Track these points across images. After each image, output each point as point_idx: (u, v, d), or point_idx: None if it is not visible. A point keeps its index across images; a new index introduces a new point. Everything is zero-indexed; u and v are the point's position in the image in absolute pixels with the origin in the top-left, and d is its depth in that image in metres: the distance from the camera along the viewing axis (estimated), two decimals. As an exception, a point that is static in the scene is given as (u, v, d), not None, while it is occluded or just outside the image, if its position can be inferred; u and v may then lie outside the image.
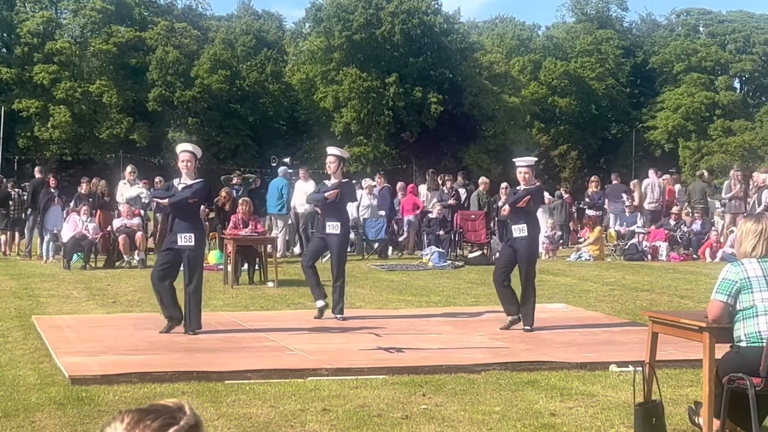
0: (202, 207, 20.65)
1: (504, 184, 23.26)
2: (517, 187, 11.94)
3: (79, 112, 62.15)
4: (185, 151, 11.14)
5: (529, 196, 11.46)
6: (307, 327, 11.34)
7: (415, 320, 12.15)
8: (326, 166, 12.58)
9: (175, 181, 11.32)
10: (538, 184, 12.23)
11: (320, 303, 12.04)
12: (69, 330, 10.82)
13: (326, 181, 12.60)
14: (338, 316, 11.91)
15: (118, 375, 8.25)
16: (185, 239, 10.68)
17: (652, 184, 25.41)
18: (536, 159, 12.74)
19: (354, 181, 26.22)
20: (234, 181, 23.14)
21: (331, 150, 12.53)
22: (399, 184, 27.60)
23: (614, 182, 26.29)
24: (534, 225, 11.77)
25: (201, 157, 11.48)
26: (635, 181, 27.07)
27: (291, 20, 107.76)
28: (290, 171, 23.27)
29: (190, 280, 10.73)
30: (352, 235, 23.05)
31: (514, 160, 12.12)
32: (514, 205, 11.48)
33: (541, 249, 21.85)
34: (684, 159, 71.16)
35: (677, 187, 27.25)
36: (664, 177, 26.53)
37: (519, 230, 11.42)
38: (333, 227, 12.01)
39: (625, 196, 24.46)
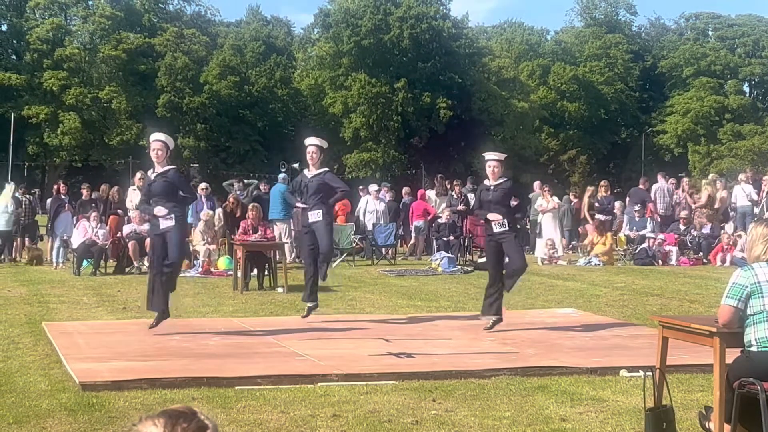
0: (207, 210, 20.77)
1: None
2: (486, 182, 11.95)
3: (89, 118, 62.32)
4: (157, 140, 11.20)
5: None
6: (317, 332, 11.34)
7: (424, 325, 12.15)
8: (308, 156, 12.17)
9: (150, 172, 11.49)
10: (508, 179, 12.19)
11: (311, 303, 12.08)
12: (79, 336, 10.84)
13: (305, 171, 12.38)
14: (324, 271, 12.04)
15: (129, 381, 8.26)
16: (167, 222, 10.83)
17: (661, 189, 25.36)
18: (506, 155, 12.77)
19: (360, 187, 26.30)
20: (235, 186, 23.31)
21: (312, 140, 12.19)
22: (405, 189, 27.64)
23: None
24: (513, 218, 11.90)
25: (173, 147, 11.61)
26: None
27: (300, 26, 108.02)
28: (288, 178, 23.37)
29: (171, 260, 10.97)
30: (360, 240, 23.11)
31: (483, 154, 12.16)
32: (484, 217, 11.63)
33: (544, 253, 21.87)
34: (693, 163, 71.07)
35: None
36: (671, 180, 26.50)
37: (499, 225, 11.47)
38: (315, 215, 11.85)
39: (638, 206, 24.35)
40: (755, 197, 23.16)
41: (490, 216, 11.50)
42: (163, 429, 2.48)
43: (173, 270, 11.18)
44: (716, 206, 24.22)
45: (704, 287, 16.83)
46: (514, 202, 12.22)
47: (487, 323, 11.56)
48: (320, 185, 11.97)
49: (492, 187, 11.68)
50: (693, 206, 24.39)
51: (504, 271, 11.70)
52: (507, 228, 11.47)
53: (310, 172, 12.15)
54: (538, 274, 18.65)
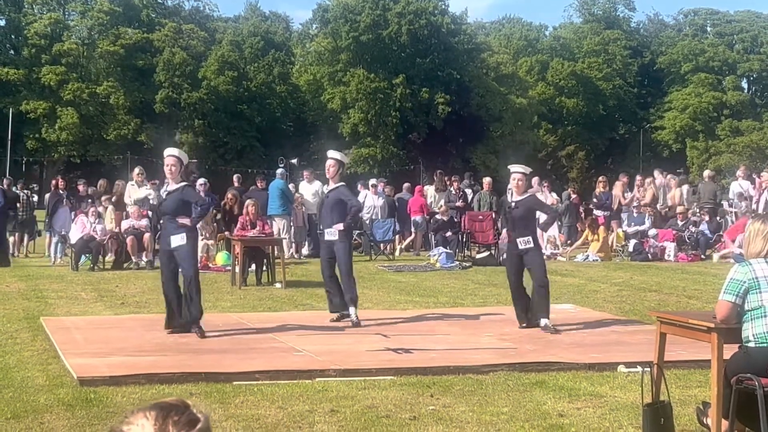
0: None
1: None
2: (508, 196, 11.96)
3: (87, 113, 62.29)
4: (171, 155, 11.09)
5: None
6: (315, 328, 11.33)
7: (422, 321, 12.15)
8: (326, 169, 12.31)
9: (163, 188, 11.37)
10: (532, 192, 12.18)
11: (335, 315, 11.97)
12: (77, 331, 10.84)
13: (325, 186, 12.55)
14: (353, 316, 11.70)
15: (126, 376, 8.26)
16: (178, 240, 10.71)
17: (660, 185, 25.35)
18: (531, 170, 12.71)
19: (360, 182, 26.24)
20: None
21: (332, 154, 12.34)
22: (405, 185, 27.59)
23: (617, 183, 26.14)
24: (537, 236, 11.87)
25: (187, 163, 11.46)
26: (641, 178, 26.90)
27: (298, 21, 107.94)
28: (286, 173, 23.44)
29: (186, 275, 10.78)
30: (358, 236, 23.10)
31: (508, 167, 12.07)
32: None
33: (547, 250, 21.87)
34: (692, 159, 71.08)
35: (685, 187, 27.21)
36: (669, 175, 26.50)
37: (525, 242, 11.39)
38: (331, 234, 11.88)
39: (636, 202, 24.38)
40: (752, 194, 23.17)
41: (519, 241, 11.45)
42: (154, 422, 2.47)
43: (192, 286, 10.75)
44: (672, 204, 24.38)
45: (702, 283, 16.85)
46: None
47: (541, 323, 11.34)
48: (335, 202, 11.99)
49: (514, 204, 11.64)
50: (639, 203, 24.35)
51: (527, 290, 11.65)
52: (532, 245, 11.42)
53: (328, 186, 12.21)
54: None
